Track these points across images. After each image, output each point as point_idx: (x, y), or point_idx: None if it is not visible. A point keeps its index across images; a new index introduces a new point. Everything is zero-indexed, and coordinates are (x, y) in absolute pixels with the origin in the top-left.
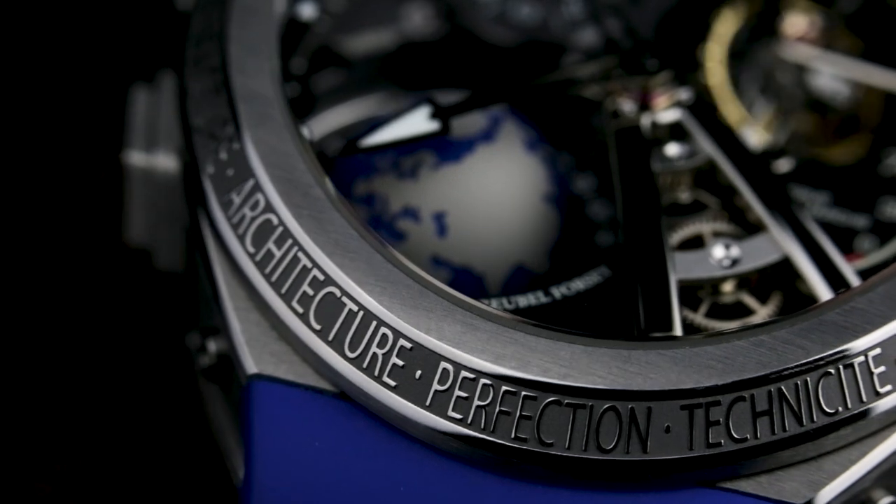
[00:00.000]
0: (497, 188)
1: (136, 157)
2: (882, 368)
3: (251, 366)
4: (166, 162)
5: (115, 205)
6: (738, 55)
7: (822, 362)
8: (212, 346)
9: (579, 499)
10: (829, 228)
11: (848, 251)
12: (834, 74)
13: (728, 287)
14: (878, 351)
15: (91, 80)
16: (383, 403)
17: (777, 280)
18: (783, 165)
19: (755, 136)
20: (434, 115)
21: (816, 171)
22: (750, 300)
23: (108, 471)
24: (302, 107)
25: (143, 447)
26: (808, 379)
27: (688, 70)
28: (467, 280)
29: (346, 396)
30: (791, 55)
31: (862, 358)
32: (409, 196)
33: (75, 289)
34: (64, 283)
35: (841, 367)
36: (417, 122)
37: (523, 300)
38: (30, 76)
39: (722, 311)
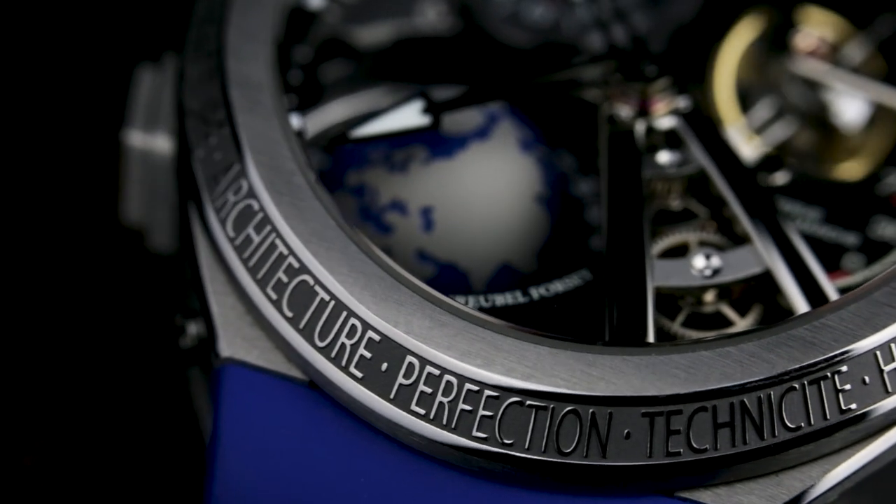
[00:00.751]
0: (487, 186)
1: (135, 137)
2: (848, 386)
3: (223, 349)
4: (164, 143)
5: (115, 183)
6: (750, 69)
7: (786, 377)
8: (192, 328)
9: (536, 500)
10: (819, 245)
11: (835, 268)
12: (844, 91)
13: (707, 297)
14: (844, 369)
15: (100, 59)
16: (349, 394)
17: (759, 293)
18: (779, 178)
19: (747, 143)
20: (426, 110)
21: (813, 186)
22: (729, 311)
23: (95, 448)
24: (304, 96)
25: (131, 425)
26: (772, 393)
27: (696, 82)
28: (451, 276)
29: (315, 385)
30: (801, 69)
31: (828, 375)
32: (398, 189)
33: (70, 265)
34: (59, 261)
35: (806, 382)
36: (409, 115)
37: (500, 299)
38: (39, 54)
39: (701, 321)
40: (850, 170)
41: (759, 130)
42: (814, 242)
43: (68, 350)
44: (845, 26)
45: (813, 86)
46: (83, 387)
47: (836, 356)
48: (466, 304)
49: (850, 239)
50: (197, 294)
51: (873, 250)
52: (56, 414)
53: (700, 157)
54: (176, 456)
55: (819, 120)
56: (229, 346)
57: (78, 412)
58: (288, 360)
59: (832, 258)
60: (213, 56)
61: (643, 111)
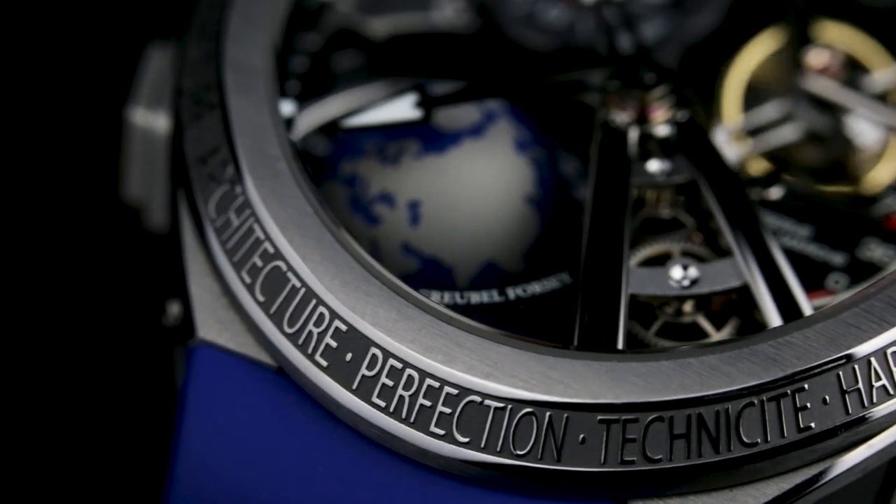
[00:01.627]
0: (477, 184)
1: (139, 115)
2: (808, 405)
3: (198, 330)
4: (165, 122)
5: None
6: (764, 75)
7: (745, 392)
8: (173, 308)
9: (489, 499)
10: (805, 262)
11: (819, 287)
12: (849, 111)
13: (684, 308)
14: (805, 387)
15: (115, 36)
16: (313, 382)
17: (737, 307)
18: (774, 193)
19: (735, 142)
20: (419, 104)
21: (808, 203)
22: (705, 324)
23: (83, 421)
24: (308, 84)
25: (118, 403)
26: (730, 407)
27: (708, 100)
28: (434, 271)
29: (282, 371)
30: (809, 86)
31: (787, 392)
32: (388, 181)
33: (70, 240)
34: (59, 236)
35: (765, 399)
36: (401, 108)
37: (476, 297)
38: (50, 29)
39: (677, 331)
40: (847, 189)
41: (756, 132)
42: (801, 260)
43: (64, 326)
44: (871, 46)
45: (820, 103)
46: (77, 362)
47: (797, 374)
48: (442, 299)
49: (838, 259)
50: (178, 274)
51: (859, 271)
52: (48, 389)
53: (689, 168)
54: (157, 433)
55: (821, 136)
56: (203, 327)
57: (71, 386)
58: (258, 344)
59: (817, 277)
60: (213, 39)
61: (641, 118)
